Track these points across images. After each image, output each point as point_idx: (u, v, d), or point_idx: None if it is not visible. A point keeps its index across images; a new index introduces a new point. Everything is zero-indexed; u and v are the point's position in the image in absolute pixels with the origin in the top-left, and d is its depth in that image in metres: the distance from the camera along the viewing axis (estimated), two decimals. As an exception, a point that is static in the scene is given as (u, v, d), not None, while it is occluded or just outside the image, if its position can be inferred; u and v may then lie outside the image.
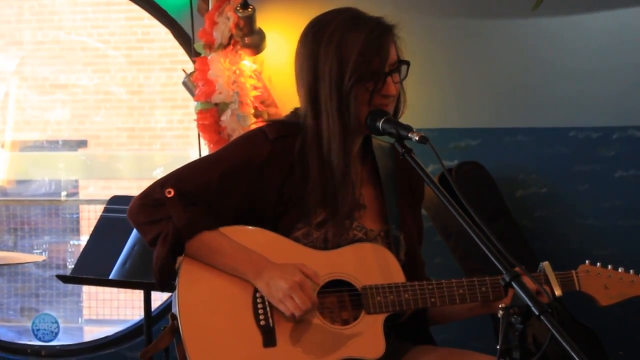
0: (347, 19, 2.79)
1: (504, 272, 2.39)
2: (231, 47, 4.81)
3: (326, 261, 2.78)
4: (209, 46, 4.86)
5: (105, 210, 4.55)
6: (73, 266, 4.49)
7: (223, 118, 4.78)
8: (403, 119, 2.80)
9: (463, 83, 5.06)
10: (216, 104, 4.82)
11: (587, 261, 2.97)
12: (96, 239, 4.48)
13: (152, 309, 4.54)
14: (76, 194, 10.22)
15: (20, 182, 9.91)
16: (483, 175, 4.88)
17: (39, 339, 5.72)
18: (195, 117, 4.89)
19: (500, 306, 2.36)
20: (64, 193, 9.86)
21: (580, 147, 4.98)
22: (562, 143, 4.98)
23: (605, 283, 2.96)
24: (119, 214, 4.38)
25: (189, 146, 9.11)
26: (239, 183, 2.80)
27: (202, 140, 4.99)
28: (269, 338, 2.70)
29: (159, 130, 10.49)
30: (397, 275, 2.81)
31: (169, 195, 2.75)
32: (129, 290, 6.76)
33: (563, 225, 5.01)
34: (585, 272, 2.95)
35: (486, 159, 4.93)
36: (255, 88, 4.81)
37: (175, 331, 2.74)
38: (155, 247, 2.78)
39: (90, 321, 9.03)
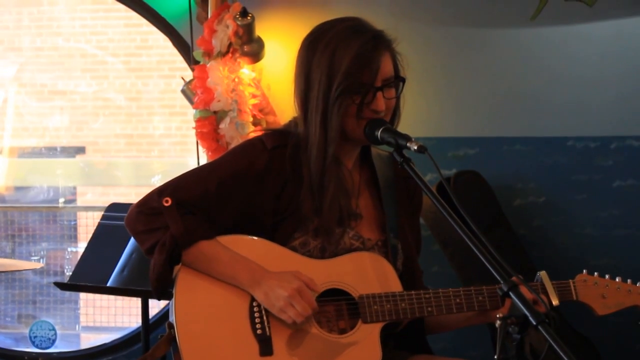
0: (346, 28, 2.79)
1: (501, 281, 2.39)
2: (230, 55, 4.81)
3: (323, 270, 2.78)
4: (208, 54, 4.86)
5: (104, 217, 4.55)
6: (71, 273, 4.48)
7: (221, 126, 4.78)
8: (401, 128, 2.80)
9: (461, 92, 5.06)
10: (215, 112, 4.82)
11: (584, 271, 2.98)
12: (94, 246, 4.48)
13: (150, 317, 4.53)
14: (74, 200, 10.22)
15: (18, 189, 9.91)
16: (481, 184, 4.88)
17: (36, 346, 5.70)
18: (193, 124, 4.89)
19: (497, 316, 2.35)
20: (61, 200, 9.85)
21: (578, 156, 4.98)
22: (560, 152, 4.98)
23: (602, 293, 2.96)
24: (117, 222, 4.38)
25: (187, 153, 9.11)
26: (237, 192, 2.80)
27: (200, 148, 4.98)
28: (265, 347, 2.70)
29: (157, 137, 10.48)
30: (394, 285, 2.81)
31: (167, 204, 2.75)
32: (126, 298, 6.75)
33: (561, 234, 5.01)
34: (582, 282, 2.95)
35: (484, 168, 4.93)
36: (254, 96, 4.81)
37: (172, 340, 2.74)
38: (152, 255, 2.78)
39: (87, 328, 9.02)
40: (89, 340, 8.01)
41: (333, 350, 2.72)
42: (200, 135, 4.87)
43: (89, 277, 4.37)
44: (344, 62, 2.73)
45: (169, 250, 2.74)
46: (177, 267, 2.77)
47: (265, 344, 2.70)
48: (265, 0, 5.05)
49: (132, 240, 4.27)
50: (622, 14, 4.91)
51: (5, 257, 8.69)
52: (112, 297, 7.54)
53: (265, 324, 2.72)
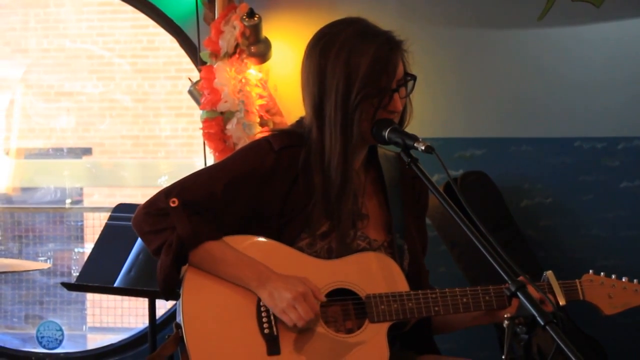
0: (355, 33, 2.78)
1: (509, 281, 2.39)
2: (237, 55, 4.82)
3: (330, 270, 2.78)
4: (215, 55, 4.86)
5: (111, 218, 4.55)
6: (78, 274, 4.49)
7: (228, 127, 4.79)
8: (408, 129, 2.80)
9: (468, 93, 5.06)
10: (222, 113, 4.83)
11: (590, 271, 2.98)
12: (101, 246, 4.49)
13: (157, 317, 4.54)
14: (81, 201, 10.23)
15: (25, 190, 9.92)
16: (488, 185, 4.88)
17: (43, 347, 5.71)
18: (200, 125, 4.89)
19: (505, 316, 2.35)
20: (68, 201, 9.86)
21: (585, 157, 4.98)
22: (567, 153, 4.98)
23: (609, 292, 2.96)
24: (124, 222, 4.38)
25: (193, 154, 9.12)
26: (243, 193, 2.80)
27: (207, 149, 4.99)
28: (273, 346, 2.70)
29: (163, 139, 10.49)
30: (401, 284, 2.81)
31: (173, 205, 2.76)
32: (132, 298, 6.76)
33: (568, 235, 5.01)
34: (589, 282, 2.95)
35: (491, 168, 4.93)
36: (261, 97, 4.81)
37: (179, 340, 2.74)
38: (159, 256, 2.78)
39: (94, 329, 9.02)
40: (96, 341, 8.00)
41: (340, 350, 2.72)
42: (208, 136, 4.87)
43: (96, 277, 4.38)
44: (361, 67, 2.73)
45: (176, 251, 2.74)
46: (184, 268, 2.78)
47: (272, 344, 2.70)
48: (272, 1, 5.05)
49: (139, 240, 4.27)
50: (629, 14, 4.91)
51: (13, 257, 8.70)
52: (119, 297, 7.54)
53: (273, 323, 2.72)
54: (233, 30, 4.79)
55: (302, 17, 4.95)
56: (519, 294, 2.35)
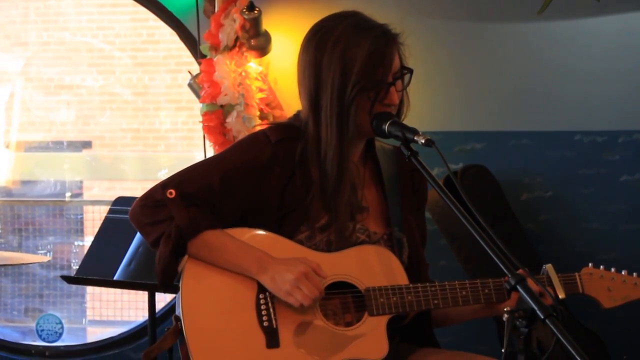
0: (351, 26, 2.78)
1: (508, 275, 2.39)
2: (237, 49, 4.82)
3: (329, 263, 2.78)
4: (215, 48, 4.86)
5: (110, 211, 4.55)
6: (78, 267, 4.49)
7: (228, 120, 4.79)
8: (408, 122, 2.80)
9: (468, 86, 5.06)
10: (222, 106, 4.83)
11: (590, 264, 2.98)
12: (101, 239, 4.48)
13: (157, 310, 4.53)
14: (81, 194, 10.23)
15: (25, 183, 9.92)
16: (488, 178, 4.88)
17: (43, 340, 5.72)
18: (200, 118, 4.89)
19: (505, 309, 2.35)
20: (68, 194, 9.87)
21: (585, 150, 4.98)
22: (568, 147, 4.98)
23: (608, 286, 2.96)
24: (124, 215, 4.36)
25: (193, 148, 9.11)
26: (241, 186, 2.80)
27: (207, 142, 4.99)
28: (272, 339, 2.70)
29: (163, 132, 10.49)
30: (401, 278, 2.81)
31: (171, 196, 2.76)
32: (132, 292, 6.76)
33: (568, 228, 5.01)
34: (588, 275, 2.95)
35: (491, 162, 4.93)
36: (261, 90, 4.81)
37: (178, 332, 2.74)
38: (157, 248, 2.78)
39: (94, 322, 9.03)
40: (96, 334, 8.00)
41: (340, 343, 2.72)
42: (207, 129, 4.87)
43: (96, 270, 4.37)
44: (357, 60, 2.73)
45: (175, 241, 2.73)
46: (183, 260, 2.77)
47: (271, 336, 2.70)
48: (272, -7, 5.06)
49: (138, 234, 4.27)
50: (629, 8, 4.91)
51: (13, 250, 8.70)
52: (118, 290, 7.53)
53: (272, 315, 2.72)
54: (233, 24, 4.79)
55: (302, 10, 4.95)
56: (518, 287, 2.35)
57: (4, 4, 10.16)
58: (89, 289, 8.86)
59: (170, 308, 5.31)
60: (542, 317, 2.27)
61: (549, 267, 2.89)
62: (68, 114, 10.43)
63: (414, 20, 4.89)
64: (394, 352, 2.79)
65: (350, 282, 2.78)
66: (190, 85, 5.07)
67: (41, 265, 8.68)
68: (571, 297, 2.93)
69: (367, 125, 2.78)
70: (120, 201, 4.55)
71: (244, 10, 4.77)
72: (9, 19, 10.40)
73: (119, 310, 8.27)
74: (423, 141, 2.60)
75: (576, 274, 2.94)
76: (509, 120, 5.04)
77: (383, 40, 2.76)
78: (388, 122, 2.73)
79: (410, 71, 2.83)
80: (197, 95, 4.99)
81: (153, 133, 10.56)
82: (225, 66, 4.77)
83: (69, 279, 4.62)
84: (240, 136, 4.69)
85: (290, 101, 4.73)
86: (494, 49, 5.05)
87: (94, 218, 8.83)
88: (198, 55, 5.05)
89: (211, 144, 4.91)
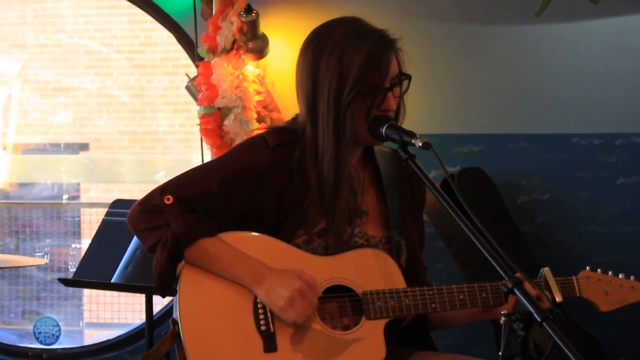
0: (350, 31, 2.78)
1: (506, 278, 2.39)
2: (234, 51, 4.82)
3: (327, 267, 2.78)
4: (212, 51, 4.86)
5: (108, 213, 4.55)
6: (75, 269, 4.49)
7: (226, 122, 4.79)
8: (405, 125, 2.80)
9: (465, 89, 5.06)
10: (219, 109, 4.83)
11: (587, 267, 2.98)
12: (98, 242, 4.49)
13: (154, 313, 4.54)
14: (78, 197, 10.23)
15: (22, 185, 9.92)
16: (485, 181, 4.88)
17: (40, 342, 5.71)
18: (197, 121, 4.89)
19: (502, 312, 2.36)
20: (65, 196, 9.86)
21: (582, 153, 4.98)
22: (565, 149, 4.98)
23: (605, 289, 2.96)
24: (121, 218, 4.37)
25: (190, 150, 9.12)
26: (239, 190, 2.80)
27: (204, 145, 4.99)
28: (269, 343, 2.70)
29: (161, 134, 10.49)
30: (398, 281, 2.81)
31: (168, 202, 2.75)
32: (130, 294, 6.77)
33: (565, 231, 5.01)
34: (585, 278, 2.95)
35: (488, 164, 4.93)
36: (258, 93, 4.81)
37: (176, 336, 2.74)
38: (154, 253, 2.78)
39: (91, 324, 9.03)
40: (93, 337, 8.01)
41: (337, 347, 2.72)
42: (205, 132, 4.87)
43: (93, 273, 4.37)
44: (354, 65, 2.73)
45: (171, 248, 2.74)
46: (180, 264, 2.77)
47: (269, 341, 2.70)
48: (270, -4, 5.06)
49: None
50: (626, 10, 4.91)
51: (10, 253, 8.70)
52: (116, 293, 7.55)
53: (269, 320, 2.72)
54: (230, 26, 4.79)
55: (300, 13, 4.95)
56: (515, 290, 2.35)
57: (1, 6, 10.16)
58: (86, 292, 8.86)
59: (168, 310, 5.30)
60: (539, 320, 2.27)
61: (546, 271, 2.89)
62: (65, 116, 10.42)
63: (411, 24, 4.89)
64: (391, 355, 2.78)
65: (347, 286, 2.77)
66: (187, 87, 5.07)
67: (38, 267, 8.68)
68: (568, 300, 2.94)
69: (364, 131, 2.78)
70: (118, 204, 4.56)
71: (242, 13, 4.77)
72: (6, 21, 10.39)
73: (116, 313, 8.28)
74: (420, 144, 2.60)
75: (573, 277, 2.94)
76: (506, 123, 5.04)
77: (380, 45, 2.77)
78: (385, 126, 2.73)
79: (409, 77, 2.83)
80: (195, 98, 4.99)
81: (150, 135, 10.55)
82: (222, 69, 4.77)
83: (66, 282, 4.62)
84: (238, 139, 4.69)
85: (288, 104, 4.73)
86: (491, 52, 5.05)
87: (91, 220, 8.84)
88: (195, 57, 5.05)
89: (208, 146, 4.91)
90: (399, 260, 2.87)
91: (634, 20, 4.91)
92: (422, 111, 4.73)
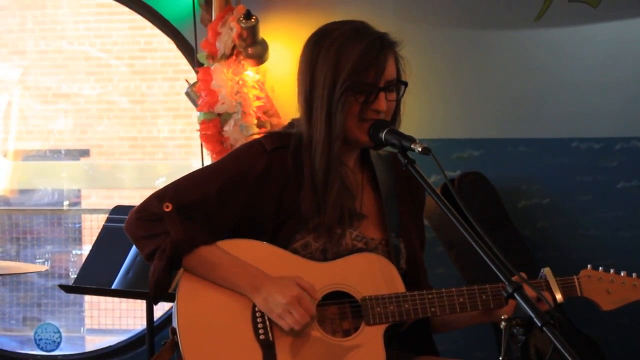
0: (351, 29, 2.79)
1: (506, 282, 2.38)
2: (234, 57, 4.81)
3: (325, 272, 2.78)
4: (212, 56, 4.86)
5: (108, 220, 4.55)
6: (75, 276, 4.49)
7: (226, 128, 4.78)
8: (405, 130, 2.80)
9: (465, 94, 5.06)
10: (219, 114, 4.83)
11: (588, 266, 2.97)
12: (99, 248, 4.49)
13: (155, 319, 4.53)
14: (79, 203, 10.23)
15: (22, 192, 9.93)
16: (485, 185, 4.88)
17: (41, 349, 5.71)
18: (198, 127, 4.89)
19: (502, 317, 2.35)
20: (66, 202, 9.87)
21: (582, 158, 4.97)
22: (565, 154, 4.98)
23: (607, 288, 2.95)
24: (122, 224, 4.37)
25: (191, 156, 9.13)
26: (237, 195, 2.80)
27: (204, 150, 4.98)
28: (269, 352, 2.69)
29: (161, 140, 10.50)
30: (398, 285, 2.81)
31: (167, 210, 2.75)
32: (131, 300, 6.76)
33: (565, 236, 5.01)
34: (586, 277, 2.95)
35: (488, 169, 4.92)
36: (258, 98, 4.81)
37: (175, 346, 2.74)
38: (152, 261, 2.77)
39: (92, 331, 9.02)
40: (94, 343, 8.00)
41: (336, 354, 2.72)
42: (205, 138, 4.87)
43: (94, 279, 4.38)
44: (349, 61, 2.74)
45: (169, 256, 2.73)
46: (179, 273, 2.77)
47: (268, 350, 2.69)
48: (269, 2, 5.06)
49: (136, 243, 4.27)
50: (626, 15, 4.91)
51: (10, 259, 8.70)
52: (117, 299, 7.54)
53: (268, 329, 2.71)
54: (230, 32, 4.79)
55: (299, 19, 4.96)
56: (516, 295, 2.35)
57: (2, 13, 10.17)
58: (87, 298, 8.86)
59: (169, 316, 5.30)
60: (540, 324, 2.27)
61: (547, 271, 2.89)
62: (66, 123, 10.44)
63: (411, 28, 4.89)
64: (392, 360, 2.79)
65: (346, 292, 2.77)
66: (187, 93, 5.07)
67: (39, 274, 8.67)
68: (569, 303, 2.93)
69: (360, 133, 2.78)
70: (118, 210, 4.56)
71: (241, 18, 4.77)
72: (6, 28, 10.40)
73: (117, 319, 8.27)
74: (420, 149, 2.60)
75: (574, 277, 2.93)
76: (506, 128, 5.03)
77: (378, 45, 2.77)
78: (385, 131, 2.73)
79: (405, 84, 2.83)
80: (195, 104, 4.99)
81: (151, 141, 10.56)
82: (222, 74, 4.77)
83: (66, 288, 4.62)
84: (238, 144, 4.68)
85: (288, 109, 4.72)
86: (491, 56, 5.05)
87: (92, 227, 8.84)
88: (195, 63, 5.05)
89: (209, 152, 4.91)
90: (398, 263, 2.87)
91: (633, 24, 4.91)
92: (422, 116, 4.74)
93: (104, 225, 4.57)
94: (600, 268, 2.98)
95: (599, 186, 4.97)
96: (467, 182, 4.84)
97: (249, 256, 2.77)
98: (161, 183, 9.61)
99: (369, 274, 2.80)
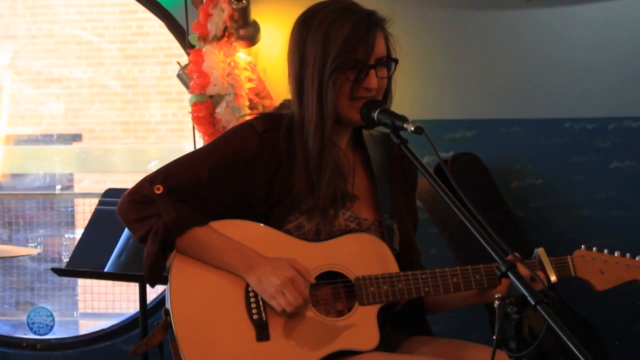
0: (339, 8, 2.78)
1: (499, 262, 2.38)
2: (225, 39, 4.80)
3: (319, 253, 2.77)
4: (204, 38, 4.84)
5: (100, 203, 4.53)
6: (68, 259, 4.48)
7: (218, 110, 4.77)
8: (398, 110, 2.78)
9: (458, 74, 5.05)
10: (211, 96, 4.81)
11: (582, 246, 2.97)
12: (91, 231, 4.47)
13: (148, 302, 4.52)
14: (71, 187, 10.22)
15: (14, 176, 9.92)
16: (478, 166, 4.88)
17: (35, 333, 5.71)
18: (190, 110, 4.88)
19: (496, 296, 2.35)
20: (58, 187, 9.86)
21: (575, 138, 4.97)
22: (558, 134, 4.97)
23: (601, 268, 2.95)
24: (114, 207, 4.34)
25: (183, 139, 9.12)
26: (229, 177, 2.79)
27: (197, 133, 4.97)
28: (262, 332, 2.69)
29: (153, 124, 10.49)
30: (391, 266, 2.80)
31: (158, 192, 2.74)
32: (124, 284, 6.75)
33: (558, 216, 5.01)
34: (580, 257, 2.95)
35: (482, 150, 4.92)
36: (250, 80, 4.80)
37: (168, 327, 2.73)
38: (145, 244, 2.77)
39: (85, 314, 9.03)
40: (87, 327, 8.01)
41: (330, 334, 2.72)
42: (197, 120, 4.85)
43: (87, 262, 4.36)
44: (338, 38, 2.73)
45: (162, 238, 2.73)
46: (172, 255, 2.76)
47: (261, 329, 2.69)
48: (260, -17, 5.04)
49: (128, 226, 4.26)
50: (618, -5, 4.90)
51: (3, 243, 8.70)
52: (110, 283, 7.55)
53: (262, 309, 2.71)
54: (221, 14, 4.77)
55: (291, 0, 4.94)
56: (509, 274, 2.34)
57: (-8, -3, 10.14)
58: (81, 282, 8.87)
59: (162, 299, 5.29)
60: (533, 303, 2.26)
61: (540, 251, 2.88)
62: (57, 107, 10.42)
63: (403, 8, 4.87)
64: (385, 341, 2.78)
65: (340, 272, 2.77)
66: (179, 75, 5.05)
67: (32, 258, 8.68)
68: (563, 283, 2.93)
69: (351, 111, 2.77)
70: (110, 193, 4.54)
71: (232, 0, 4.75)
72: (-3, 12, 10.38)
73: (110, 303, 8.28)
74: (412, 129, 2.59)
75: (568, 256, 2.93)
76: (499, 108, 5.03)
77: (367, 22, 2.76)
78: (377, 110, 2.72)
79: (395, 61, 2.82)
80: (186, 86, 4.98)
81: (143, 125, 10.55)
82: (214, 56, 4.76)
83: (59, 272, 4.61)
84: (230, 126, 4.66)
85: (280, 91, 4.71)
86: (484, 37, 5.03)
87: (85, 211, 8.84)
88: (187, 45, 5.03)
89: (201, 134, 4.90)
90: (392, 244, 2.86)
91: (626, 4, 4.89)
92: (415, 97, 4.73)
93: (96, 208, 4.56)
94: (594, 248, 2.97)
95: (592, 166, 4.97)
96: (460, 163, 4.84)
97: (242, 237, 2.76)
98: (153, 166, 9.60)
99: (362, 254, 2.79)
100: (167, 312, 2.73)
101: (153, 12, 5.32)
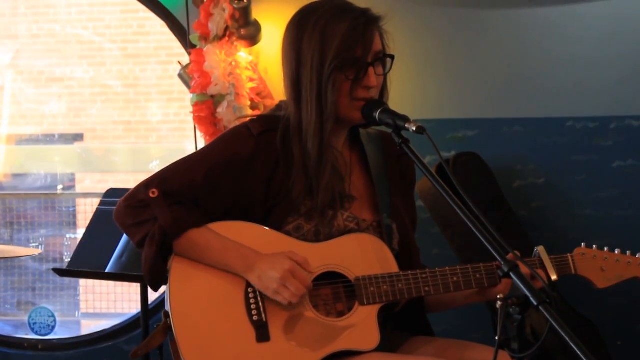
0: (334, 8, 2.77)
1: (501, 262, 2.37)
2: (227, 38, 4.79)
3: (318, 253, 2.76)
4: (205, 38, 4.84)
5: (102, 203, 4.53)
6: (69, 259, 4.48)
7: (219, 110, 4.77)
8: (400, 110, 2.78)
9: (460, 74, 5.04)
10: (212, 96, 4.81)
11: (582, 244, 2.97)
12: (92, 232, 4.47)
13: (149, 302, 4.52)
14: (72, 187, 10.22)
15: (16, 176, 9.91)
16: (480, 166, 4.87)
17: (36, 333, 5.71)
18: (191, 109, 4.87)
19: (498, 297, 2.34)
20: (60, 186, 9.86)
21: (577, 137, 4.97)
22: (560, 133, 4.97)
23: (601, 265, 2.95)
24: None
25: (185, 139, 9.11)
26: (225, 180, 2.78)
27: (198, 134, 4.97)
28: (262, 333, 2.69)
29: (155, 124, 10.49)
30: (391, 265, 2.80)
31: (153, 196, 2.74)
32: (125, 284, 6.75)
33: (560, 215, 5.00)
34: (581, 255, 2.95)
35: (483, 149, 4.91)
36: (252, 80, 4.79)
37: (168, 329, 2.73)
38: (143, 248, 2.76)
39: (87, 315, 9.03)
40: (89, 327, 8.02)
41: (330, 334, 2.71)
42: (198, 120, 4.85)
43: (88, 263, 4.36)
44: (336, 38, 2.72)
45: (159, 241, 2.72)
46: (171, 258, 2.76)
47: (261, 330, 2.69)
48: (262, -17, 5.03)
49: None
50: (620, -7, 4.90)
51: (4, 243, 8.70)
52: (111, 283, 7.55)
53: (261, 309, 2.70)
54: (222, 13, 4.77)
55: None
56: (511, 274, 2.33)
57: (-7, -3, 10.15)
58: (82, 282, 8.87)
59: (163, 300, 5.28)
60: (536, 304, 2.26)
61: (541, 249, 2.88)
62: (59, 107, 10.42)
63: (405, 8, 4.86)
64: (386, 341, 2.77)
65: (340, 272, 2.76)
66: (180, 75, 5.05)
67: (33, 258, 8.68)
68: (565, 283, 2.92)
69: (352, 111, 2.76)
70: (112, 193, 4.54)
71: (234, -1, 4.75)
72: (-2, 12, 10.39)
73: (112, 303, 8.28)
74: (414, 128, 2.58)
75: (568, 254, 2.93)
76: (500, 108, 5.02)
77: (363, 20, 2.75)
78: (379, 110, 2.71)
79: (391, 57, 2.82)
80: (188, 86, 4.97)
81: (144, 125, 10.55)
82: (215, 56, 4.75)
83: (61, 272, 4.61)
84: (231, 126, 4.66)
85: (281, 90, 4.63)
86: (485, 36, 5.03)
87: (86, 211, 8.85)
88: (188, 45, 5.03)
89: (202, 134, 4.89)
90: (391, 243, 2.86)
91: (628, 3, 4.89)
92: (416, 96, 4.72)
93: (97, 208, 4.55)
94: (594, 246, 2.97)
95: (594, 165, 4.97)
96: (461, 163, 4.83)
97: (240, 237, 2.75)
98: (155, 166, 9.60)
99: (362, 255, 2.79)
100: (166, 314, 2.73)
101: (154, 11, 5.32)
